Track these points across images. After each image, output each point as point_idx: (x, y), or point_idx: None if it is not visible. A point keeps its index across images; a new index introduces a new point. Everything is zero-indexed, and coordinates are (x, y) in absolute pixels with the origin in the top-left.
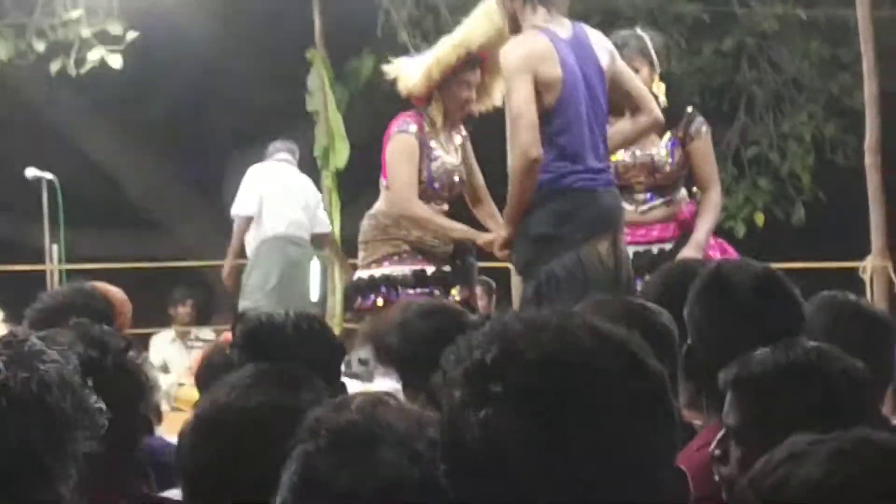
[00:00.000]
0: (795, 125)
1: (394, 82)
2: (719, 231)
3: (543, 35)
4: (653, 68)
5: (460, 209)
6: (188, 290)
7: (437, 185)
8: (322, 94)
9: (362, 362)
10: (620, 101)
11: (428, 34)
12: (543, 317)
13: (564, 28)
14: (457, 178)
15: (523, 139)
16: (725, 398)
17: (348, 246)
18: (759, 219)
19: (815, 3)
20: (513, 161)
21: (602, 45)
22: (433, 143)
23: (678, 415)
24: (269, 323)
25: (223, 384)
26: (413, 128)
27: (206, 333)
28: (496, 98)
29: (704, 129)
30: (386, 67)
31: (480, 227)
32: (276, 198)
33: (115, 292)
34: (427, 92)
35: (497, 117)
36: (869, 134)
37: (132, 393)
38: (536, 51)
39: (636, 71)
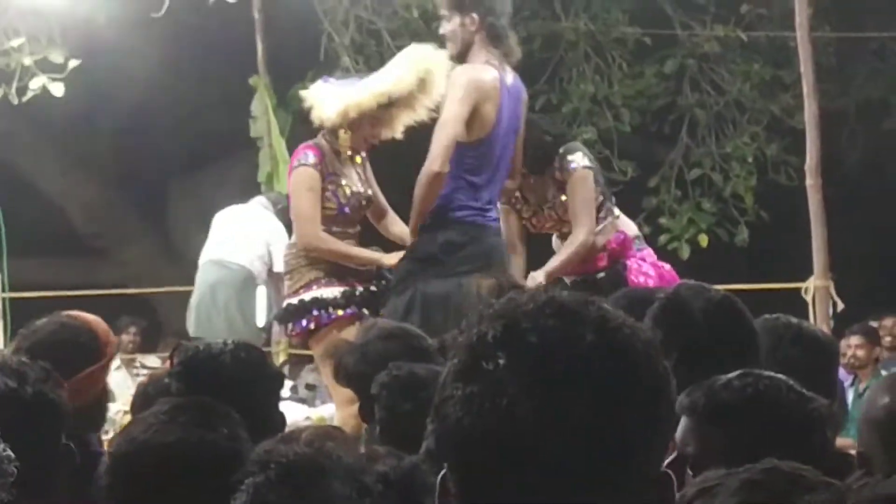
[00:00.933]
0: (738, 146)
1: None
2: (664, 252)
3: (496, 76)
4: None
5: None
6: (133, 318)
7: (347, 210)
8: (266, 120)
9: (309, 388)
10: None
11: (370, 58)
12: (558, 300)
13: (509, 75)
14: (364, 202)
15: (435, 153)
16: (680, 423)
17: None
18: (703, 240)
19: (755, 25)
20: (422, 169)
21: (524, 104)
22: (336, 171)
23: (671, 420)
24: (206, 352)
25: (139, 421)
26: (312, 159)
27: (152, 361)
28: (398, 131)
29: (576, 166)
30: (303, 93)
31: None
32: (216, 228)
33: (99, 322)
34: (340, 127)
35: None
36: (809, 155)
37: (53, 422)
38: (487, 87)
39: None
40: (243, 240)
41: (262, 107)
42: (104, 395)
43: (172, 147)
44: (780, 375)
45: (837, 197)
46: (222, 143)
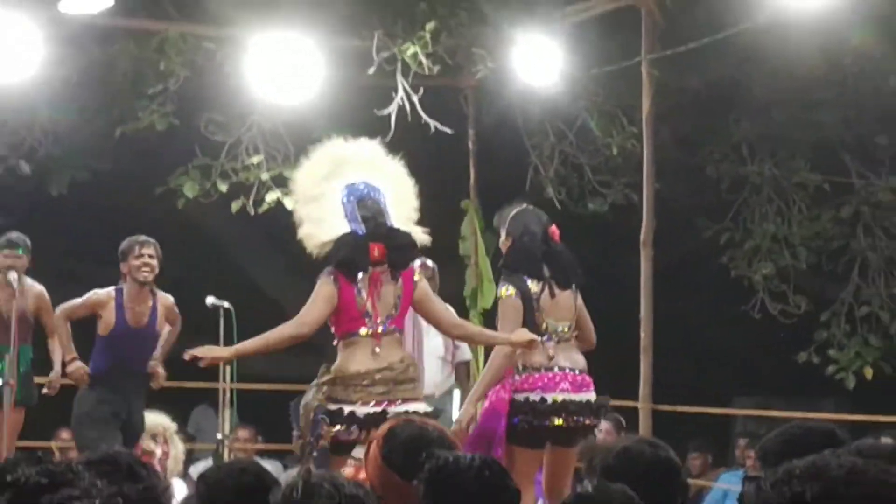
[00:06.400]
0: None
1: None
2: (831, 381)
3: None
4: None
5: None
6: None
7: None
8: (473, 241)
9: None
10: None
11: (572, 190)
12: (863, 466)
13: None
14: None
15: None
16: None
17: None
18: (868, 373)
19: None
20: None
21: None
22: None
23: None
24: (453, 465)
25: None
26: None
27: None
28: None
29: None
30: None
31: None
32: None
33: (442, 426)
34: None
35: None
36: None
37: None
38: None
39: None
40: None
41: (470, 228)
42: None
43: None
44: None
45: None
46: (433, 259)
